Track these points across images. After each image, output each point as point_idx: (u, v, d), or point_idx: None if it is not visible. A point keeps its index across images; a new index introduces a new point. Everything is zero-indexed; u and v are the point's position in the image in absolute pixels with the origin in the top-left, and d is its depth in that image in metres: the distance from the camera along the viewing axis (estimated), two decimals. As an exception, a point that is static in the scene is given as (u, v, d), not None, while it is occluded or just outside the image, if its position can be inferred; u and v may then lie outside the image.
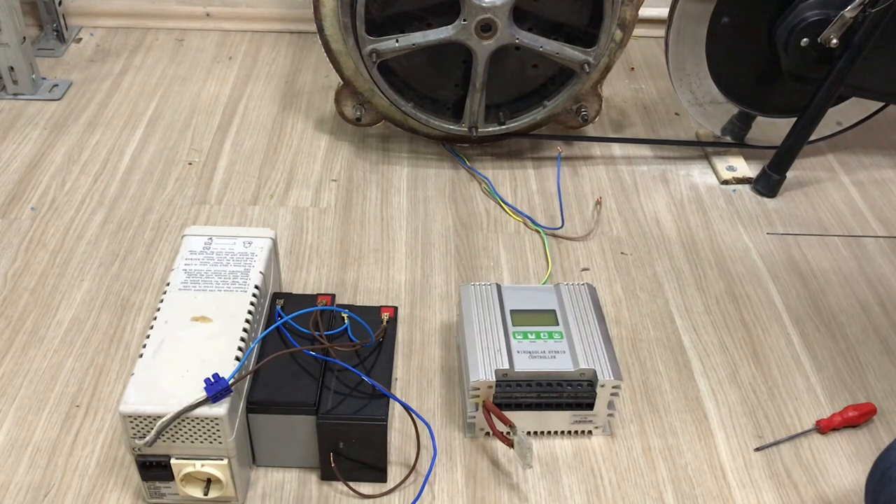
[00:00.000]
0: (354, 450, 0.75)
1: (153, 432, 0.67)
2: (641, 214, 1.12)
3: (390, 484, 0.77)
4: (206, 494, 0.72)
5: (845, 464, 0.81)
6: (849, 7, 1.03)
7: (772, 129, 1.21)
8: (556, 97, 1.13)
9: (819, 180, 1.19)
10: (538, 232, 1.07)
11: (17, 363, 0.88)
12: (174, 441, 0.69)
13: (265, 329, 0.79)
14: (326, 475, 0.77)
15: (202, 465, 0.70)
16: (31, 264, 1.00)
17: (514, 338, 0.82)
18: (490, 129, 1.14)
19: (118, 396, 0.83)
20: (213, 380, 0.68)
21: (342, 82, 1.16)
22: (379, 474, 0.77)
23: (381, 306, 0.83)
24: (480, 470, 0.80)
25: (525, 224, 1.08)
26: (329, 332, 0.79)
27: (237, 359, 0.71)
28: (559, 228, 1.07)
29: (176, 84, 1.35)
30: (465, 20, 1.03)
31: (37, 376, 0.86)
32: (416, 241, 1.06)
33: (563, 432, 0.83)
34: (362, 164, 1.19)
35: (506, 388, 0.79)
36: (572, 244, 1.06)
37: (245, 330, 0.74)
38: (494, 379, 0.78)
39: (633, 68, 1.44)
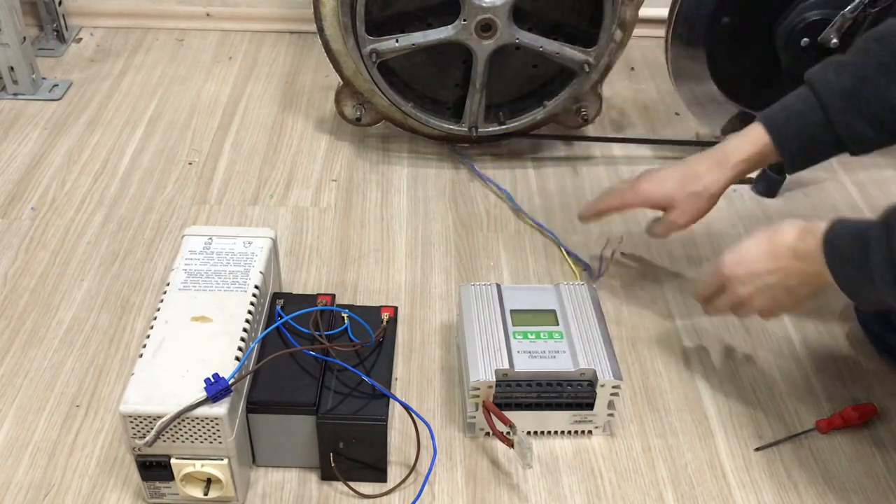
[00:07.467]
0: (354, 450, 0.75)
1: (153, 432, 0.67)
2: (641, 214, 1.12)
3: (390, 484, 0.77)
4: (206, 494, 0.72)
5: (845, 464, 0.81)
6: (849, 7, 1.03)
7: (772, 129, 1.20)
8: (556, 97, 1.13)
9: (819, 180, 1.19)
10: (554, 241, 1.07)
11: (17, 363, 0.88)
12: (174, 441, 0.69)
13: (265, 329, 0.79)
14: (326, 475, 0.77)
15: (202, 465, 0.70)
16: (31, 264, 1.00)
17: (514, 338, 0.82)
18: (490, 129, 1.14)
19: (118, 396, 0.83)
20: (213, 380, 0.68)
21: (342, 82, 1.15)
22: (379, 474, 0.77)
23: (381, 306, 0.83)
24: (480, 470, 0.80)
25: (541, 233, 1.09)
26: (329, 332, 0.79)
27: (237, 359, 0.71)
28: (588, 270, 1.02)
29: (176, 84, 1.35)
30: (465, 20, 1.03)
31: (37, 376, 0.86)
32: (416, 241, 1.06)
33: (563, 432, 0.83)
34: (362, 164, 1.19)
35: (506, 388, 0.78)
36: (572, 244, 1.06)
37: (245, 330, 0.74)
38: (494, 379, 0.78)
39: (633, 68, 1.44)
